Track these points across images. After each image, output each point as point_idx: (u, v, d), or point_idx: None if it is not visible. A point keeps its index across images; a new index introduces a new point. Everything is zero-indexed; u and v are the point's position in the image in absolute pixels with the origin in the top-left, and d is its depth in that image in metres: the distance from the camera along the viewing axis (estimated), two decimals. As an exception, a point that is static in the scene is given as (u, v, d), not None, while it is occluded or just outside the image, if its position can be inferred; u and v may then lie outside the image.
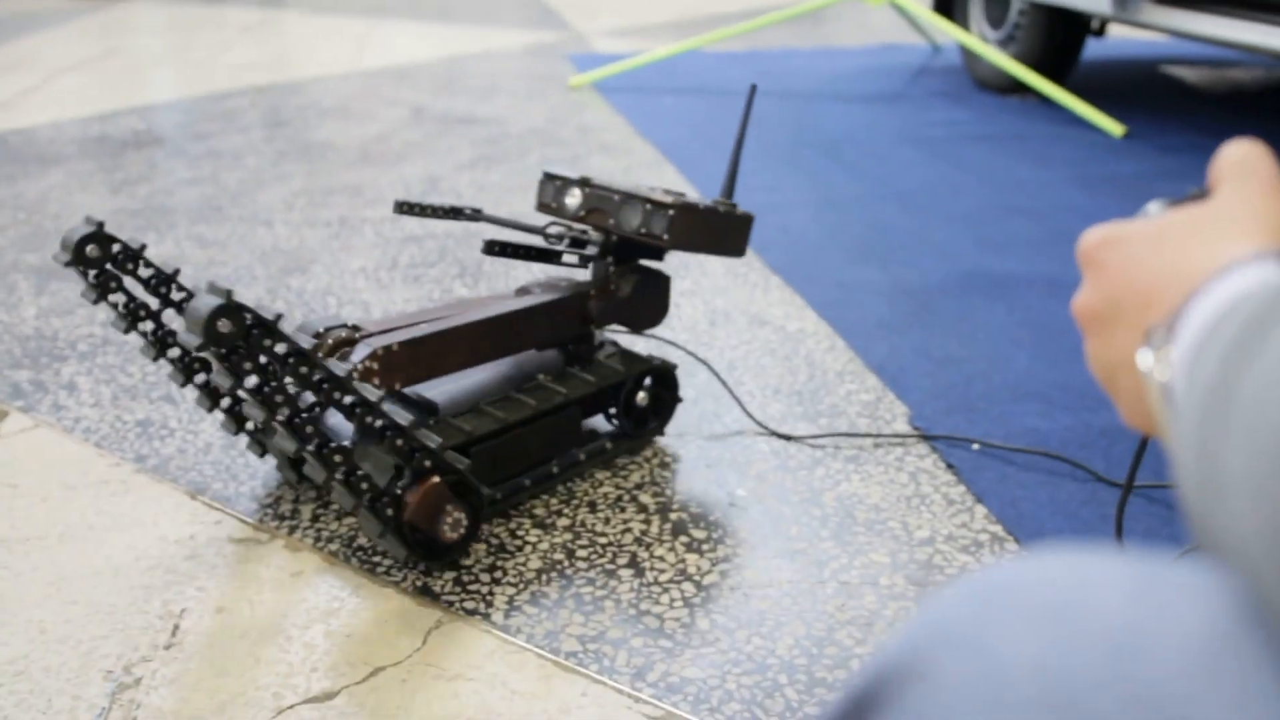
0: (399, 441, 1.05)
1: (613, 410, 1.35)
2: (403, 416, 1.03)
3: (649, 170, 2.66)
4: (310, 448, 1.02)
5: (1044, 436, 1.40)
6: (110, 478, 1.32)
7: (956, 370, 1.59)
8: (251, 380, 1.02)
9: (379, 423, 1.03)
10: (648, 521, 1.23)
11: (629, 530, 1.21)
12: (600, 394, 1.32)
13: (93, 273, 1.16)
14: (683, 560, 1.16)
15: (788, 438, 1.40)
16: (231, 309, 0.95)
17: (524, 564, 1.15)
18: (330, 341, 1.16)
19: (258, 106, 3.43)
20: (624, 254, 1.35)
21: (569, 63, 4.11)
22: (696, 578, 1.13)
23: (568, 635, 1.04)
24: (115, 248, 1.15)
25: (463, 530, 1.11)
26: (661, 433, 1.40)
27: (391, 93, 3.60)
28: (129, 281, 1.19)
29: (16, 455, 1.37)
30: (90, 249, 1.13)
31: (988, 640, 0.29)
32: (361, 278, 1.96)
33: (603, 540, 1.19)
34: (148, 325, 1.23)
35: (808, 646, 1.03)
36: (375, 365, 1.12)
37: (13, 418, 1.46)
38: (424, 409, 1.20)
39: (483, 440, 1.19)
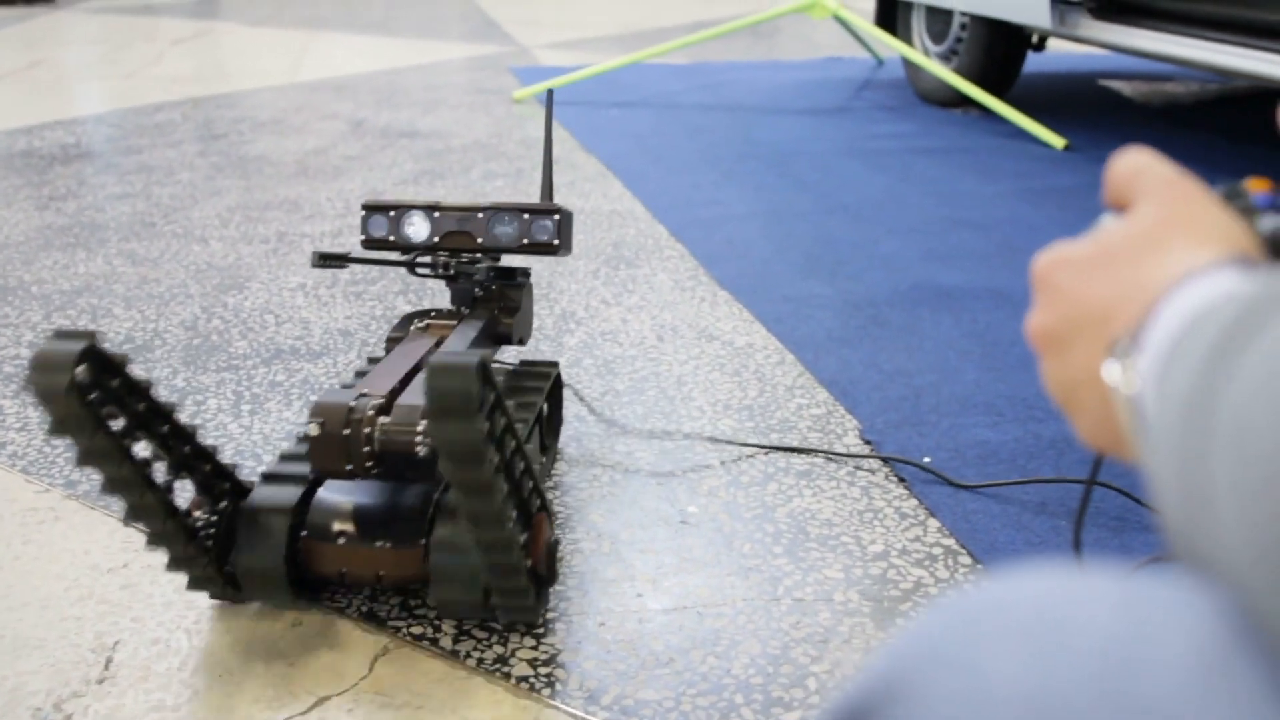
0: (528, 485, 0.98)
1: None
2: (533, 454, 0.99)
3: (593, 184, 2.65)
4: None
5: (994, 448, 1.40)
6: (38, 505, 1.26)
7: (906, 383, 1.59)
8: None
9: (523, 465, 0.95)
10: (598, 539, 1.20)
11: (579, 550, 1.18)
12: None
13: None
14: (634, 579, 1.13)
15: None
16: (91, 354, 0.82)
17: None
18: (370, 413, 0.96)
19: (191, 120, 3.36)
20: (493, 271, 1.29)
21: (512, 76, 4.08)
22: (648, 597, 1.11)
23: (518, 659, 1.01)
24: (114, 380, 0.88)
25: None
26: (556, 442, 1.38)
27: (330, 106, 3.55)
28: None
29: (-62, 482, 1.31)
30: (81, 372, 0.82)
31: (974, 659, 0.28)
32: (300, 295, 1.91)
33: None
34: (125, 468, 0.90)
35: (763, 665, 1.01)
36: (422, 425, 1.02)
37: (-66, 442, 1.40)
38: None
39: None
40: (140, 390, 0.90)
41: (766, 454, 1.39)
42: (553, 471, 1.34)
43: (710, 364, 1.65)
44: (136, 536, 1.21)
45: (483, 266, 1.22)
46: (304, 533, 1.01)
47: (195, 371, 1.60)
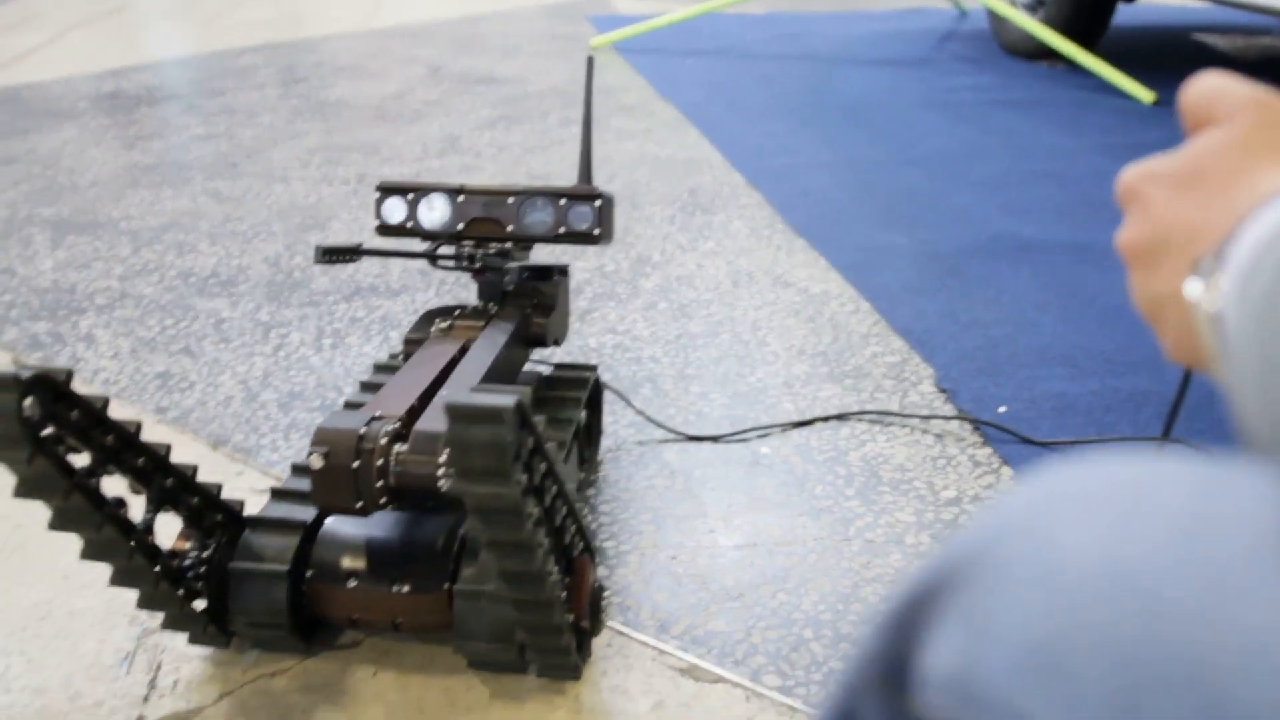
0: (570, 529, 0.87)
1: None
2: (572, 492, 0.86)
3: (670, 131, 2.64)
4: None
5: (1070, 400, 1.38)
6: (130, 427, 1.31)
7: (982, 334, 1.57)
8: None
9: (565, 508, 0.85)
10: (671, 477, 1.21)
11: (652, 487, 1.19)
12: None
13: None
14: (706, 515, 1.15)
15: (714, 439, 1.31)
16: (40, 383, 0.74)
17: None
18: (383, 441, 0.84)
19: (272, 64, 3.41)
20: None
21: (589, 23, 4.07)
22: (720, 534, 1.12)
23: (591, 589, 1.03)
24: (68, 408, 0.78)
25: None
26: (597, 454, 1.26)
27: (407, 51, 3.57)
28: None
29: (35, 404, 1.36)
30: (29, 405, 0.73)
31: (1050, 530, 0.28)
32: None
33: (625, 496, 1.18)
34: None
35: (833, 602, 1.02)
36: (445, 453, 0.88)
37: (31, 367, 1.45)
38: None
39: None
40: (109, 424, 0.80)
41: (840, 399, 1.38)
42: (594, 478, 1.22)
43: (785, 310, 1.65)
44: (223, 460, 1.24)
45: (514, 265, 1.06)
46: (309, 573, 0.90)
47: (278, 306, 1.64)
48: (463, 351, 1.01)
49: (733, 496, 1.18)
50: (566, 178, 2.26)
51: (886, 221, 2.03)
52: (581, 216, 1.09)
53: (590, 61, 1.22)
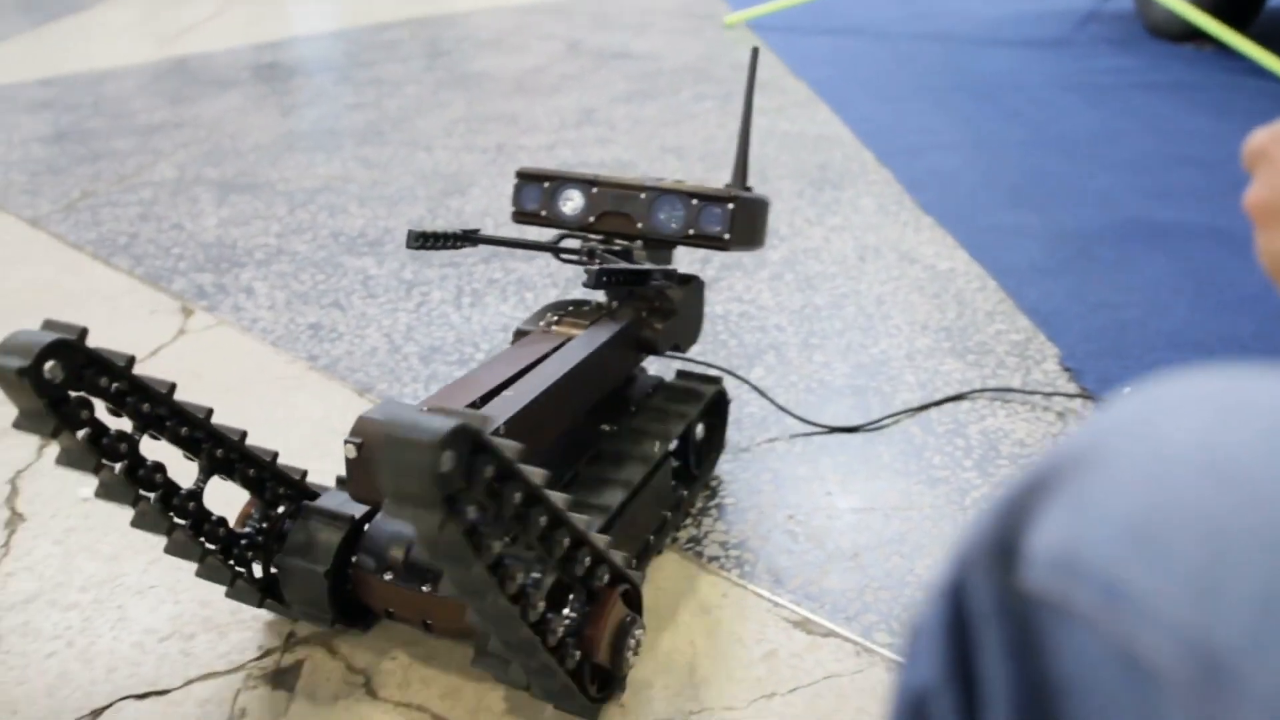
0: (583, 560, 0.78)
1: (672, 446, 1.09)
2: (578, 520, 0.76)
3: (801, 108, 2.65)
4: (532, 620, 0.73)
5: (1200, 384, 1.37)
6: (286, 374, 1.40)
7: (1111, 315, 1.57)
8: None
9: (568, 539, 0.75)
10: (792, 441, 1.25)
11: (773, 449, 1.24)
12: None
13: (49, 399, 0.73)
14: (824, 478, 1.18)
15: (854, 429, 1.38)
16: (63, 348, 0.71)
17: (670, 474, 1.19)
18: None
19: (417, 38, 3.52)
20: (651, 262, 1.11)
21: (723, 1, 4.09)
22: (837, 496, 1.15)
23: (710, 541, 1.08)
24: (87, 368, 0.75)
25: (639, 651, 0.88)
26: (713, 469, 1.19)
27: (546, 27, 3.65)
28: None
29: (202, 349, 1.47)
30: (50, 368, 0.71)
31: (1156, 425, 0.30)
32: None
33: (747, 456, 1.22)
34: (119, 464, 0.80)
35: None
36: None
37: (198, 316, 1.57)
38: None
39: (612, 521, 0.94)
40: (150, 393, 0.80)
41: (962, 374, 1.40)
42: (705, 487, 1.17)
43: (910, 285, 1.66)
44: (368, 406, 1.33)
45: (595, 268, 0.95)
46: (355, 559, 0.90)
47: (421, 266, 1.73)
48: (555, 350, 0.97)
49: (851, 462, 1.21)
50: (699, 153, 2.31)
51: (1017, 201, 2.02)
52: (712, 219, 1.04)
53: (755, 54, 1.14)
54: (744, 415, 1.31)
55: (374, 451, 0.78)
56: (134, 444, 0.79)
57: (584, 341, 0.99)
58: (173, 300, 1.62)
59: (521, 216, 1.11)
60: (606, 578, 0.82)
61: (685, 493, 1.10)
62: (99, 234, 1.88)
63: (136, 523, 0.82)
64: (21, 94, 2.91)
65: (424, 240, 1.04)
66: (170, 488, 0.83)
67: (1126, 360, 1.44)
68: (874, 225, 1.91)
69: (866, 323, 1.54)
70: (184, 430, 0.83)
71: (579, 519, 0.75)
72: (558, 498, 0.72)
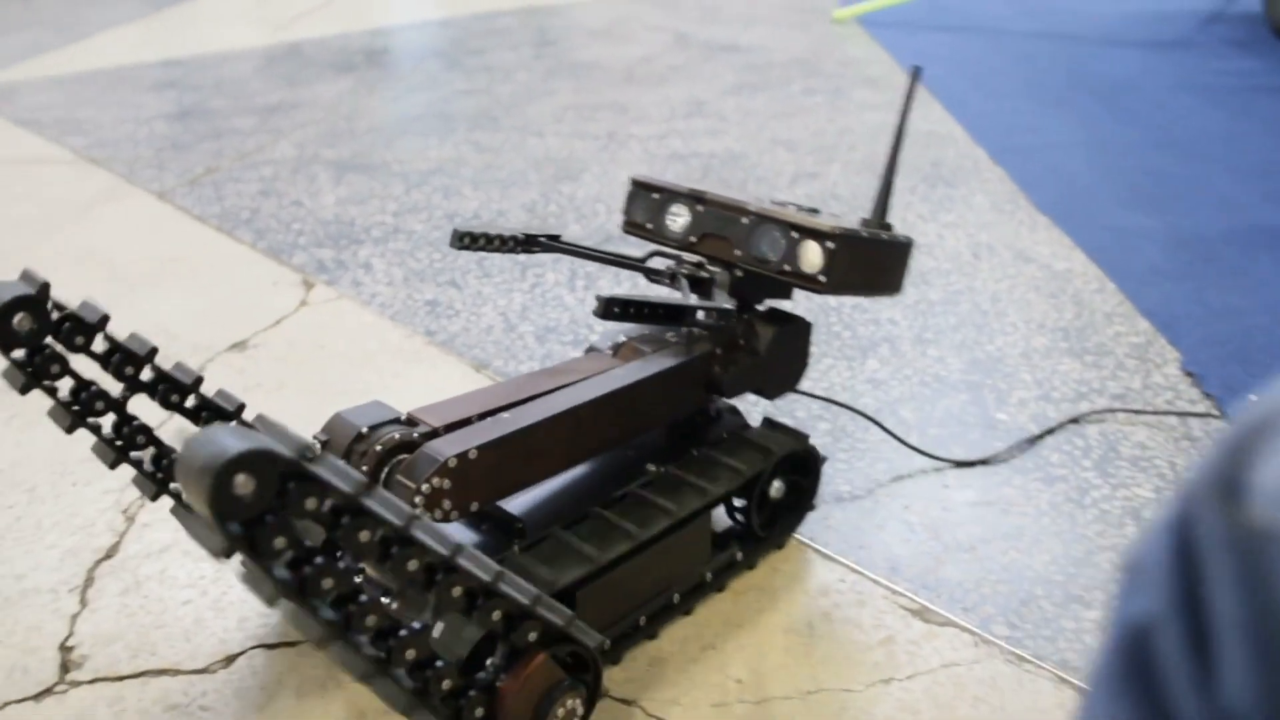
0: (494, 611, 0.69)
1: (738, 503, 1.00)
2: (486, 569, 0.67)
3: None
4: (344, 622, 0.62)
5: (1331, 393, 1.33)
6: (404, 347, 1.43)
7: (1236, 321, 1.53)
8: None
9: (460, 588, 0.66)
10: (906, 431, 1.25)
11: (887, 440, 1.23)
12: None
13: (21, 353, 0.77)
14: (941, 471, 1.17)
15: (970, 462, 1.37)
16: (33, 302, 0.73)
17: (784, 460, 1.19)
18: (378, 448, 0.79)
19: (525, 26, 3.56)
20: (749, 294, 1.01)
21: (832, -4, 4.07)
22: (954, 490, 1.14)
23: (827, 526, 1.08)
24: (59, 318, 0.79)
25: None
26: (792, 531, 1.05)
27: (653, 19, 3.67)
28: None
29: (323, 320, 1.51)
30: (19, 320, 0.74)
31: None
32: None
33: (863, 446, 1.22)
34: (106, 418, 0.86)
35: (1065, 565, 1.03)
36: (446, 483, 0.76)
37: (319, 289, 1.61)
38: (502, 528, 0.87)
39: (601, 573, 0.84)
40: (132, 354, 0.82)
41: (1080, 374, 1.38)
42: (777, 548, 1.04)
43: (1026, 284, 1.64)
44: (485, 381, 1.35)
45: (637, 299, 0.87)
46: None
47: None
48: (597, 375, 0.92)
49: (967, 455, 1.20)
50: (809, 146, 2.30)
51: (1136, 204, 1.98)
52: (808, 257, 0.92)
53: (916, 74, 1.02)
54: (858, 406, 1.30)
55: (331, 451, 0.78)
56: (116, 403, 0.82)
57: (630, 370, 0.92)
58: (294, 273, 1.66)
59: (630, 227, 1.05)
60: (533, 635, 0.72)
61: (739, 555, 0.98)
62: (222, 208, 1.94)
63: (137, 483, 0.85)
64: (146, 75, 3.01)
65: (469, 241, 0.93)
66: (160, 449, 0.86)
67: (1252, 367, 1.40)
68: (988, 223, 1.88)
69: (981, 319, 1.52)
70: (174, 397, 0.86)
71: (484, 569, 0.66)
72: (453, 545, 0.64)
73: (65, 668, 0.90)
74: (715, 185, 2.03)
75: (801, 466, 1.03)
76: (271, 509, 0.55)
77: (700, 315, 0.95)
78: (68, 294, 1.55)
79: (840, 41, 3.33)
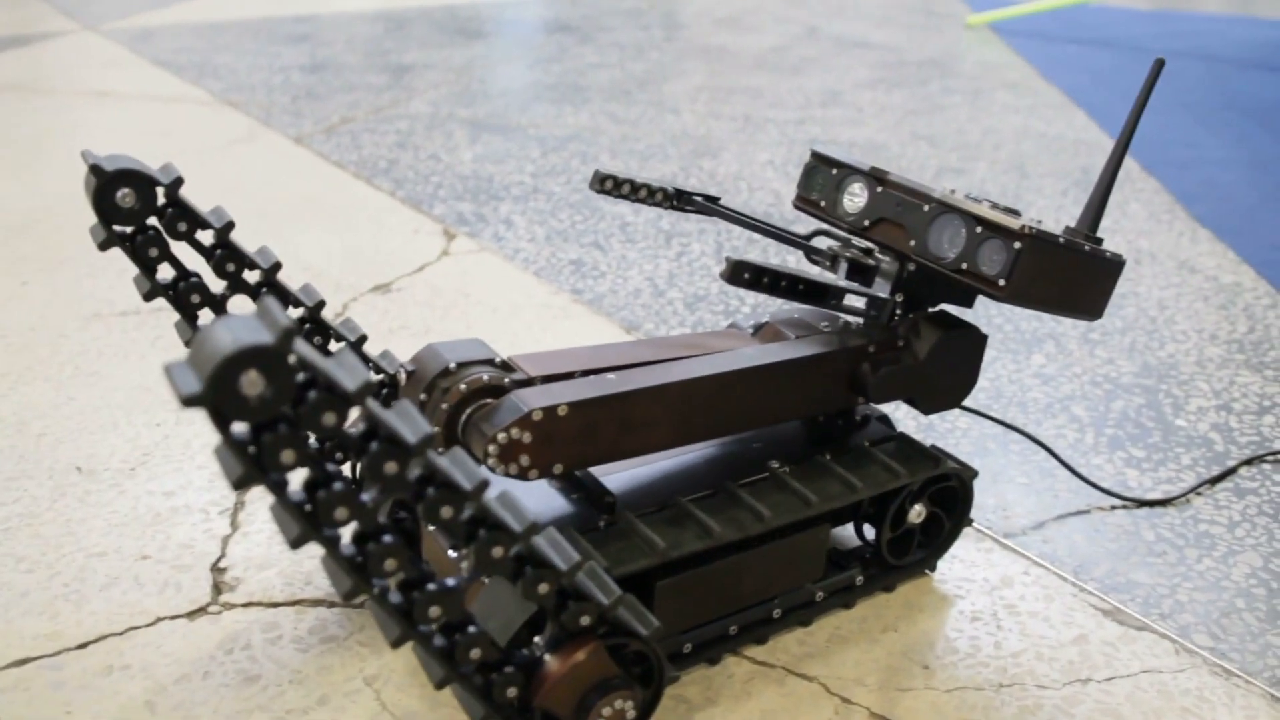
0: (544, 583, 0.62)
1: (869, 521, 0.91)
2: (557, 547, 0.62)
3: (1056, 111, 2.54)
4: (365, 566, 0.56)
5: None
6: (551, 303, 1.40)
7: None
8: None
9: (512, 551, 0.59)
10: (1082, 430, 1.18)
11: (1062, 437, 1.16)
12: (862, 502, 0.89)
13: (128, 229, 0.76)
14: (1122, 474, 1.10)
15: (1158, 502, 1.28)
16: (137, 177, 0.74)
17: (955, 446, 1.13)
18: (463, 387, 0.72)
19: (655, 9, 3.52)
20: (920, 292, 0.90)
21: (963, 1, 3.97)
22: (1139, 492, 1.07)
23: (1005, 515, 1.02)
24: (162, 202, 0.77)
25: None
26: (932, 568, 0.94)
27: (783, 11, 3.61)
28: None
29: (467, 270, 1.48)
30: (123, 195, 0.74)
31: None
32: (770, 169, 1.98)
33: (1038, 431, 1.15)
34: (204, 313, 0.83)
35: (1265, 579, 0.96)
36: (527, 436, 0.70)
37: (460, 240, 1.58)
38: (593, 500, 0.79)
39: (680, 567, 0.77)
40: (245, 258, 0.81)
41: (1261, 388, 1.30)
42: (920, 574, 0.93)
43: (1193, 294, 1.56)
44: (630, 339, 1.31)
45: (774, 268, 0.79)
46: None
47: (678, 219, 1.70)
48: (716, 354, 0.82)
49: (1150, 455, 1.13)
50: (952, 143, 2.23)
51: (1305, 225, 1.88)
52: (992, 255, 0.79)
53: (1158, 66, 0.83)
54: (1027, 399, 1.24)
55: (415, 383, 0.72)
56: (215, 299, 0.80)
57: (763, 352, 0.82)
58: (435, 223, 1.64)
59: (804, 203, 0.93)
60: (585, 619, 0.64)
61: (859, 579, 0.89)
62: (359, 156, 1.92)
63: None
64: (280, 28, 3.02)
65: (611, 185, 0.86)
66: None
67: None
68: (1146, 231, 1.80)
69: (1150, 325, 1.44)
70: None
71: (519, 521, 0.58)
72: (480, 480, 0.55)
73: (218, 589, 0.87)
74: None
75: (944, 493, 0.92)
76: (282, 417, 0.48)
77: (848, 300, 0.83)
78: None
79: (975, 46, 3.25)
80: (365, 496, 0.53)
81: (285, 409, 0.47)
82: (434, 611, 0.58)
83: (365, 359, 0.84)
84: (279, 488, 0.50)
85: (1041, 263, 0.78)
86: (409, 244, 1.55)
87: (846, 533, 0.94)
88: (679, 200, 0.89)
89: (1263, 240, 1.80)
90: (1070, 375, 1.30)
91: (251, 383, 0.45)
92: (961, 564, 0.95)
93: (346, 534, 0.54)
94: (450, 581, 0.59)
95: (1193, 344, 1.40)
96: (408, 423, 0.52)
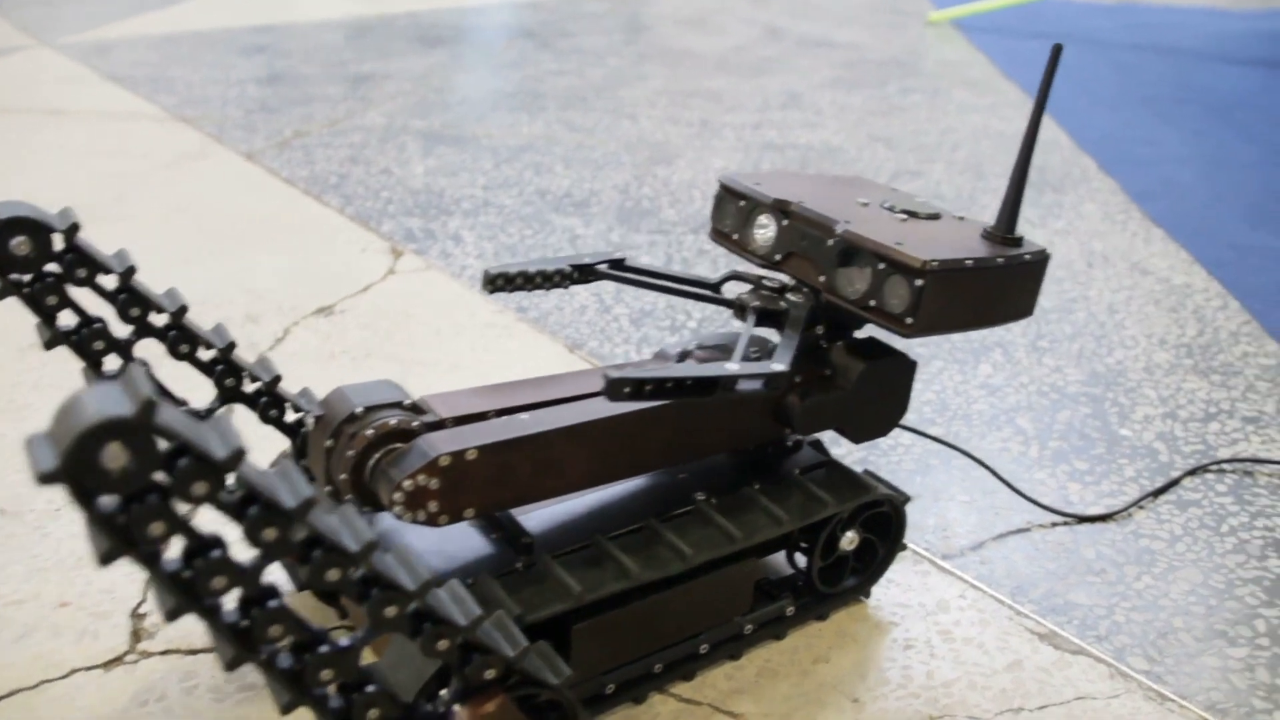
0: (443, 639, 0.59)
1: (802, 544, 0.88)
2: (458, 601, 0.60)
3: (1015, 110, 2.54)
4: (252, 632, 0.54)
5: None
6: (495, 322, 1.38)
7: (1373, 349, 1.43)
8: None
9: (409, 609, 0.57)
10: (1026, 442, 1.17)
11: (1006, 451, 1.16)
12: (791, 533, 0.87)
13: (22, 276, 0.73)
14: (1065, 488, 1.10)
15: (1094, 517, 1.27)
16: (31, 224, 0.70)
17: (897, 464, 1.12)
18: (369, 432, 0.69)
19: (616, 12, 3.51)
20: (844, 318, 0.86)
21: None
22: (1080, 508, 1.07)
23: (945, 537, 1.01)
24: (60, 248, 0.73)
25: None
26: (867, 594, 0.92)
27: (746, 12, 3.60)
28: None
29: (412, 290, 1.46)
30: (17, 243, 0.71)
31: None
32: (749, 171, 1.96)
33: (979, 452, 1.15)
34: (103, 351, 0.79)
35: (1205, 595, 0.95)
36: (434, 482, 0.67)
37: (407, 258, 1.56)
38: (511, 540, 0.77)
39: (600, 609, 0.75)
40: (154, 304, 0.77)
41: (1208, 394, 1.29)
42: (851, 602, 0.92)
43: (1144, 297, 1.55)
44: (578, 363, 1.29)
45: (643, 376, 0.68)
46: None
47: (628, 230, 1.69)
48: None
49: (1092, 468, 1.12)
50: (910, 144, 2.22)
51: (1258, 222, 1.88)
52: (895, 292, 0.75)
53: (1056, 52, 0.77)
54: (972, 412, 1.23)
55: (320, 428, 0.70)
56: (120, 344, 0.78)
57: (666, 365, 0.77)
58: (382, 241, 1.62)
59: (717, 236, 0.90)
60: (490, 672, 0.62)
61: (790, 610, 0.86)
62: (311, 172, 1.91)
63: None
64: (238, 39, 2.99)
65: (503, 282, 0.81)
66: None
67: (1395, 398, 1.31)
68: (1100, 232, 1.80)
69: (1099, 330, 1.44)
70: (197, 353, 0.80)
71: (413, 578, 0.56)
72: (366, 542, 0.53)
73: (137, 636, 0.85)
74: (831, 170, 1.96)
75: (877, 519, 0.90)
76: (151, 487, 0.46)
77: (741, 385, 0.74)
78: (154, 246, 1.53)
79: (936, 43, 3.24)
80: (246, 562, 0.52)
81: (155, 478, 0.46)
82: (326, 675, 0.57)
83: (281, 400, 0.83)
84: (150, 560, 0.49)
85: (949, 292, 0.74)
86: (355, 263, 1.54)
87: (781, 559, 0.93)
88: (581, 275, 0.85)
89: (1216, 239, 1.80)
90: (1017, 385, 1.29)
91: (113, 456, 0.43)
92: (898, 588, 0.94)
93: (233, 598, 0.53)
94: (344, 641, 0.57)
95: (1141, 349, 1.40)
96: (287, 486, 0.51)
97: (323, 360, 1.27)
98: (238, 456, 0.47)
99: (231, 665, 0.54)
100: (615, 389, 0.68)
